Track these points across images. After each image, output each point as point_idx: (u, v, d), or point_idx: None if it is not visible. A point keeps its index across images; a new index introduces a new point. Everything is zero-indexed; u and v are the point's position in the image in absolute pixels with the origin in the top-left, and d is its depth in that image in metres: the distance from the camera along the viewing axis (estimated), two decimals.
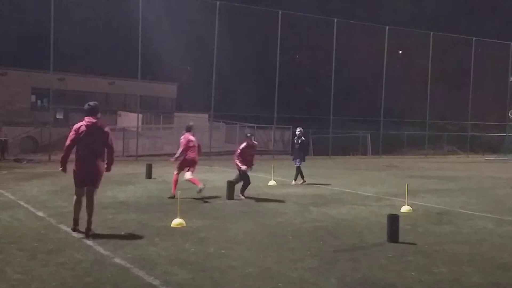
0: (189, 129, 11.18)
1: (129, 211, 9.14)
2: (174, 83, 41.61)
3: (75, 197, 7.22)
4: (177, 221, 7.86)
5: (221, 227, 7.89)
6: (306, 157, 14.78)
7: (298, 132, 14.54)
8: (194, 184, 10.60)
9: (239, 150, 11.23)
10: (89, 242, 6.69)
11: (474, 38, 32.83)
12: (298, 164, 14.01)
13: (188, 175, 10.72)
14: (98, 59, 37.84)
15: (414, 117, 34.65)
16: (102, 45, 39.32)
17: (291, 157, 15.60)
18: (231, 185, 11.02)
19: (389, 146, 31.54)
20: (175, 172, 10.88)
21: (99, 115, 7.33)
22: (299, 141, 14.37)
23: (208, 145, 26.14)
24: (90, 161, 7.15)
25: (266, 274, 5.55)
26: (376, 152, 30.84)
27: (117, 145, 26.12)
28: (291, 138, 30.57)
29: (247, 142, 11.22)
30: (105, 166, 7.47)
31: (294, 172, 14.15)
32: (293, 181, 13.93)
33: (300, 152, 14.23)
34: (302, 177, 14.19)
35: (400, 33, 33.01)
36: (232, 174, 16.24)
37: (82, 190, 7.15)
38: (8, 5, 32.30)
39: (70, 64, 33.06)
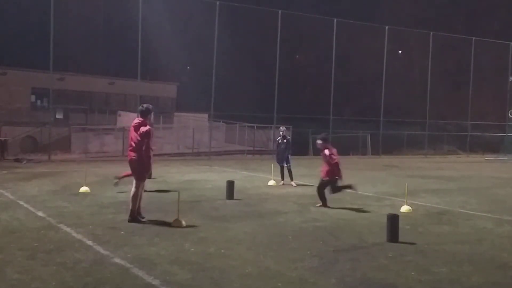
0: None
1: (129, 211, 9.12)
2: (174, 83, 41.63)
3: (140, 190, 8.13)
4: (178, 222, 7.85)
5: (221, 227, 7.89)
6: (291, 157, 14.01)
7: (282, 132, 13.94)
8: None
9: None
10: (89, 242, 6.69)
11: (474, 38, 32.81)
12: (289, 164, 13.69)
13: None
14: (98, 59, 37.93)
15: (414, 117, 34.65)
16: (102, 45, 39.38)
17: (275, 158, 14.56)
18: (231, 185, 11.00)
19: (389, 146, 31.51)
20: None
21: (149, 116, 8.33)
22: (285, 140, 13.81)
23: (208, 145, 26.16)
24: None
25: (266, 274, 5.55)
26: (376, 152, 30.82)
27: (117, 145, 26.35)
28: (291, 138, 30.58)
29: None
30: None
31: (293, 171, 14.02)
32: (293, 182, 13.68)
33: (286, 153, 13.73)
34: (283, 177, 13.78)
35: (400, 33, 33.01)
36: (232, 174, 16.29)
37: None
38: (8, 5, 32.30)
39: (70, 64, 33.12)
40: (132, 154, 8.08)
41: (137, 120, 8.18)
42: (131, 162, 8.15)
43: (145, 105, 8.35)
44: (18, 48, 34.71)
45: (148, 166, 8.27)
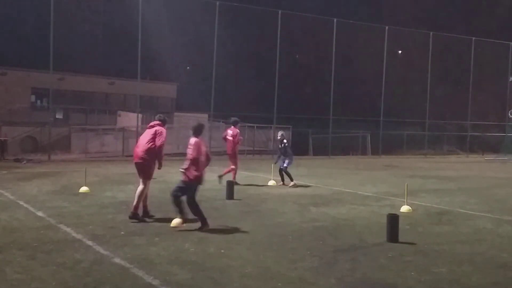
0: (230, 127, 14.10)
1: (129, 211, 9.11)
2: (174, 83, 41.61)
3: (146, 188, 8.40)
4: (176, 221, 7.85)
5: (221, 227, 7.89)
6: (287, 162, 13.89)
7: (280, 137, 14.00)
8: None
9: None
10: (88, 242, 6.69)
11: (474, 38, 32.82)
12: (285, 166, 13.67)
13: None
14: (98, 59, 37.89)
15: (414, 117, 34.65)
16: (102, 45, 39.36)
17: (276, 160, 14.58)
18: (231, 185, 11.01)
19: (389, 146, 31.53)
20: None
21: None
22: (282, 145, 13.92)
23: (207, 145, 26.14)
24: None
25: (265, 274, 5.55)
26: (376, 152, 30.83)
27: (117, 145, 26.34)
28: (291, 138, 30.61)
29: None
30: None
31: (293, 172, 14.02)
32: (291, 182, 13.58)
33: (283, 156, 13.79)
34: (283, 179, 13.78)
35: (400, 33, 33.01)
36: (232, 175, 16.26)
37: None
38: (8, 5, 32.30)
39: (70, 64, 33.07)
40: (142, 153, 8.30)
41: (154, 122, 8.58)
42: (141, 161, 8.34)
43: (162, 115, 8.87)
44: (18, 48, 34.70)
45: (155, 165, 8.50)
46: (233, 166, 13.57)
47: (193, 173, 7.51)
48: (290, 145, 14.95)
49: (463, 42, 33.53)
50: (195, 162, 7.56)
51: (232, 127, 13.91)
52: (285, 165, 13.67)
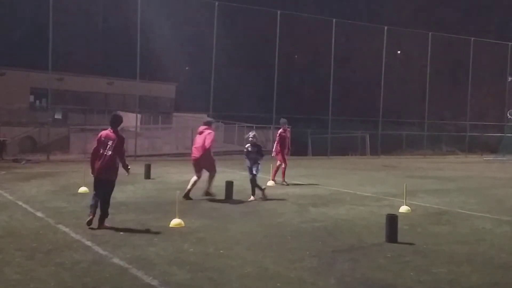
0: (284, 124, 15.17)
1: (128, 211, 9.15)
2: (173, 83, 41.62)
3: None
4: (176, 221, 7.86)
5: (220, 227, 7.89)
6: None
7: (252, 138, 11.03)
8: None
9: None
10: (87, 242, 6.69)
11: (473, 38, 32.82)
12: (255, 173, 10.88)
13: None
14: (97, 59, 37.90)
15: (413, 117, 34.67)
16: (101, 45, 39.35)
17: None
18: (230, 185, 11.00)
19: (388, 146, 31.50)
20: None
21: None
22: (256, 147, 11.12)
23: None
24: None
25: (265, 274, 5.55)
26: (374, 152, 30.82)
27: None
28: (290, 138, 30.59)
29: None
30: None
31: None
32: (254, 196, 10.87)
33: (255, 160, 10.99)
34: (261, 188, 10.92)
35: (399, 33, 33.02)
36: (231, 174, 16.29)
37: None
38: (7, 5, 32.28)
39: (69, 64, 33.08)
40: (198, 153, 10.41)
41: (202, 127, 10.57)
42: (199, 159, 10.43)
43: (208, 120, 11.04)
44: (17, 48, 34.69)
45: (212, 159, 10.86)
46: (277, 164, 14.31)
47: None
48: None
49: (462, 42, 33.53)
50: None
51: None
52: (254, 172, 10.86)
